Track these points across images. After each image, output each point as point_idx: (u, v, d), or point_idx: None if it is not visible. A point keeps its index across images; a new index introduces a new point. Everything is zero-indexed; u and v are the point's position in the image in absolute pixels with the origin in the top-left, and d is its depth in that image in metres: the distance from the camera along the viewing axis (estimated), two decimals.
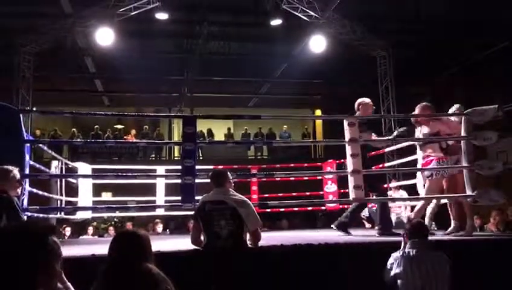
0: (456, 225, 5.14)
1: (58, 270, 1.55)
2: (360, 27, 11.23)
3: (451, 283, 3.26)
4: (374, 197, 5.38)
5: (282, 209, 8.74)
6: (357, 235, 5.32)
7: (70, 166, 7.44)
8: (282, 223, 10.43)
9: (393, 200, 7.55)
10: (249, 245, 3.50)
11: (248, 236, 3.50)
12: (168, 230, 9.82)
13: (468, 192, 4.69)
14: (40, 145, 7.53)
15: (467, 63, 12.88)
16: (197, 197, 4.36)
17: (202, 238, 3.47)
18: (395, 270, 3.31)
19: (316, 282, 3.60)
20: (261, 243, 3.61)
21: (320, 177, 8.74)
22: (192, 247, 3.53)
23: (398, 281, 3.29)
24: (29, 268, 1.36)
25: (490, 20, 10.40)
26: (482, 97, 10.07)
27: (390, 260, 3.38)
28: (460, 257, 3.58)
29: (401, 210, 7.89)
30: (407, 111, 9.26)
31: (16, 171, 3.45)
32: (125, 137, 15.57)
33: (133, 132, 15.71)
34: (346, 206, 7.03)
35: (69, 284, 2.19)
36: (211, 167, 8.97)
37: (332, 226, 5.48)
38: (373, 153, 7.27)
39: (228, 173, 3.71)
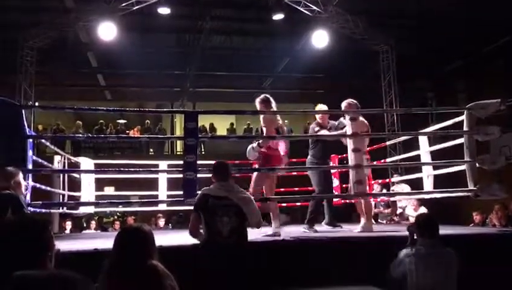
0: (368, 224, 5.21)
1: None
2: (362, 22, 11.19)
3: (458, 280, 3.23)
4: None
5: (284, 205, 8.74)
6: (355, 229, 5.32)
7: (72, 161, 7.46)
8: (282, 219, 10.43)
9: (394, 194, 7.56)
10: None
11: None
12: (170, 224, 9.86)
13: (471, 186, 4.69)
14: (43, 140, 7.54)
15: (468, 58, 12.83)
16: (199, 192, 4.38)
17: (201, 231, 3.45)
18: (403, 266, 3.24)
19: (317, 276, 3.62)
20: (264, 238, 3.62)
21: None
22: (194, 241, 3.53)
23: (406, 277, 3.21)
24: (42, 246, 1.54)
25: (492, 14, 10.34)
26: (484, 91, 10.07)
27: (399, 256, 3.30)
28: (466, 252, 3.57)
29: (404, 204, 7.90)
30: (409, 106, 9.25)
31: (19, 175, 3.52)
32: (127, 131, 15.59)
33: (138, 127, 15.73)
34: (348, 201, 7.05)
35: None
36: (213, 162, 8.96)
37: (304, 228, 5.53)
38: (375, 146, 7.28)
39: (230, 166, 3.67)
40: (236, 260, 3.21)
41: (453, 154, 5.38)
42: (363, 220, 5.29)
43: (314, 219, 5.60)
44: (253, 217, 3.40)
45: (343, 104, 5.44)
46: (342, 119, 5.78)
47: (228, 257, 3.21)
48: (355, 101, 5.41)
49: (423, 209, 7.27)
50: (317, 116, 5.94)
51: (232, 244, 3.27)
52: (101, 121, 15.18)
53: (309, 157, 5.93)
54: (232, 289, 3.13)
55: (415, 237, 3.38)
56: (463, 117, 4.89)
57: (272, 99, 5.10)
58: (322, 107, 6.00)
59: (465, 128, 4.80)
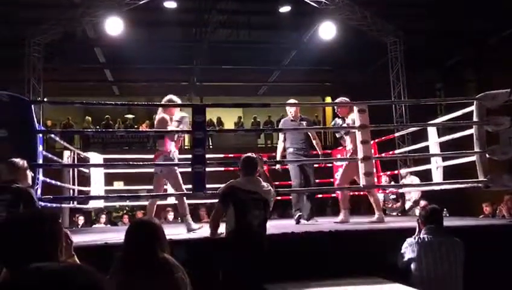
0: (380, 215, 5.27)
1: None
2: (370, 13, 11.10)
3: (464, 268, 3.26)
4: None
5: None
6: (362, 222, 5.32)
7: (82, 156, 7.50)
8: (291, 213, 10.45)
9: (403, 186, 7.53)
10: None
11: None
12: (179, 218, 9.89)
13: (481, 177, 4.66)
14: (52, 135, 7.60)
15: (477, 48, 12.71)
16: (208, 186, 4.39)
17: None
18: (409, 255, 3.31)
19: (322, 268, 3.63)
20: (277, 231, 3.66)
21: (330, 165, 8.71)
22: (203, 235, 3.55)
23: (412, 266, 3.29)
24: (54, 238, 1.59)
25: (501, 3, 10.21)
26: (493, 81, 9.97)
27: (405, 245, 3.37)
28: (474, 242, 3.57)
29: (412, 196, 7.87)
30: (418, 97, 9.19)
31: (23, 162, 3.49)
32: (135, 126, 15.65)
33: (147, 122, 15.76)
34: (356, 193, 7.04)
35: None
36: (221, 155, 8.99)
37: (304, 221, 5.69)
38: (383, 138, 7.27)
39: (257, 160, 3.70)
40: (263, 250, 3.31)
41: (462, 145, 5.34)
42: (342, 214, 5.46)
43: (312, 212, 5.78)
44: (272, 203, 3.57)
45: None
46: (337, 119, 5.85)
47: (258, 247, 3.31)
48: (346, 99, 5.62)
49: None
50: (289, 112, 6.15)
51: (260, 236, 3.39)
52: (107, 116, 15.25)
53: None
54: (257, 278, 3.22)
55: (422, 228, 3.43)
56: (472, 108, 4.85)
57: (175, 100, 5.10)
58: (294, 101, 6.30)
59: (474, 118, 4.76)
